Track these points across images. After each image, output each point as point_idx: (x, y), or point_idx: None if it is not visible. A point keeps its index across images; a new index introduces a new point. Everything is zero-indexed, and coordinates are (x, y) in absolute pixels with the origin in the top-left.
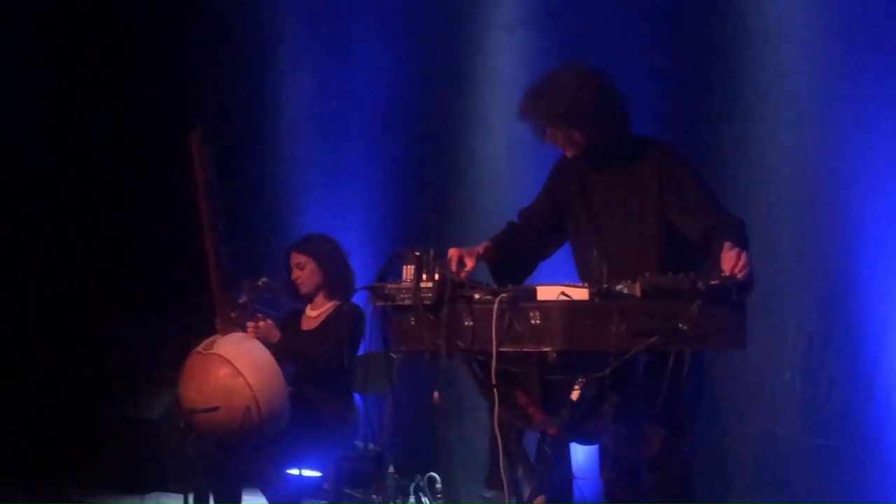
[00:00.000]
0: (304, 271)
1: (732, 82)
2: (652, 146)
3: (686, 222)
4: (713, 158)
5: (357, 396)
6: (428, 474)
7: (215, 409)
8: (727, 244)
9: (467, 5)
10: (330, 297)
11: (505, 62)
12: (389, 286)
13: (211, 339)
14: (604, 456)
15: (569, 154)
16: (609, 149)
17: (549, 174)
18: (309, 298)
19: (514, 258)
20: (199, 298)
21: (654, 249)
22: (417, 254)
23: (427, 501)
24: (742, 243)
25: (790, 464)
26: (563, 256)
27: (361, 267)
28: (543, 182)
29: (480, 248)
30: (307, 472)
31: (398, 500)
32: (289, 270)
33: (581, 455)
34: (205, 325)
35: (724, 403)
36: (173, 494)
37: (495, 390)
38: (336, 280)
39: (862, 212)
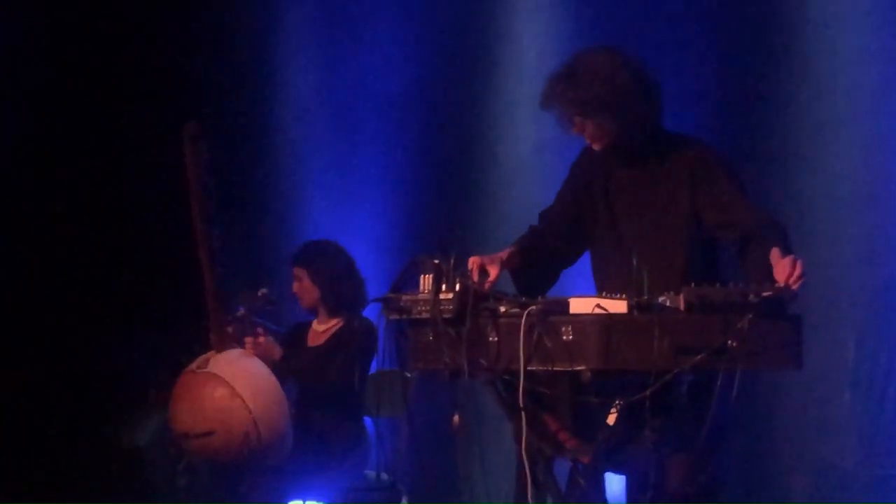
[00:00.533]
0: (301, 285)
1: (784, 73)
2: (686, 146)
3: (721, 226)
4: (761, 154)
5: (368, 420)
6: None
7: (210, 434)
8: (776, 251)
9: None
10: (333, 312)
11: (531, 49)
12: (405, 298)
13: (205, 356)
14: (633, 486)
15: (596, 147)
16: (639, 144)
17: (571, 168)
18: (313, 312)
19: (538, 265)
20: (192, 311)
21: (682, 258)
22: (436, 262)
23: None
24: (789, 249)
25: (848, 496)
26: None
27: (374, 276)
28: (565, 178)
29: (504, 255)
30: None
31: None
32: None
33: (616, 485)
34: (199, 341)
35: (775, 431)
36: None
37: (523, 414)
38: (334, 296)
39: None
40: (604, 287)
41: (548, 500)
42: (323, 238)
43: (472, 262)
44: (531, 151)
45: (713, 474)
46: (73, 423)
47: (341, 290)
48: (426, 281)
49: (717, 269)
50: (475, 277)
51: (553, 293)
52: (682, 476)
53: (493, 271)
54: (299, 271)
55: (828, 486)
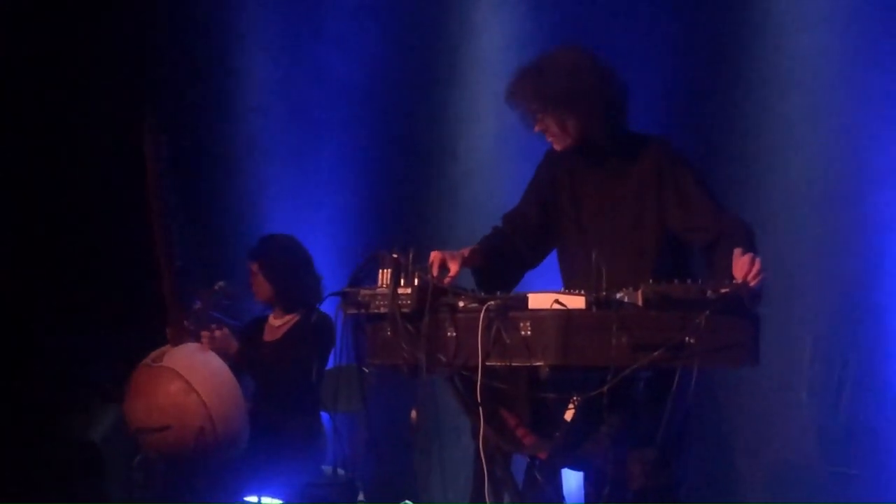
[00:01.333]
0: (256, 280)
1: (744, 71)
2: (650, 144)
3: (688, 230)
4: (722, 154)
5: (325, 415)
6: (402, 502)
7: (165, 428)
8: (738, 250)
9: None
10: (288, 308)
11: (493, 43)
12: (363, 292)
13: (161, 350)
14: (591, 481)
15: (558, 147)
16: (603, 145)
17: (535, 171)
18: (269, 307)
19: (500, 265)
20: (148, 305)
21: (650, 259)
22: (395, 256)
23: None
24: (753, 250)
25: (805, 494)
26: (551, 261)
27: (332, 271)
28: (529, 181)
29: (466, 252)
30: (267, 500)
31: None
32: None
33: (574, 482)
34: (154, 335)
35: (732, 428)
36: None
37: (480, 409)
38: (289, 290)
39: (887, 214)
40: (570, 285)
41: (505, 497)
42: (280, 233)
43: (433, 256)
44: (492, 145)
45: (674, 472)
46: (27, 419)
47: (296, 284)
48: (385, 275)
49: (688, 268)
50: (435, 272)
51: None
52: (643, 473)
53: (453, 267)
54: (254, 265)
55: (784, 483)
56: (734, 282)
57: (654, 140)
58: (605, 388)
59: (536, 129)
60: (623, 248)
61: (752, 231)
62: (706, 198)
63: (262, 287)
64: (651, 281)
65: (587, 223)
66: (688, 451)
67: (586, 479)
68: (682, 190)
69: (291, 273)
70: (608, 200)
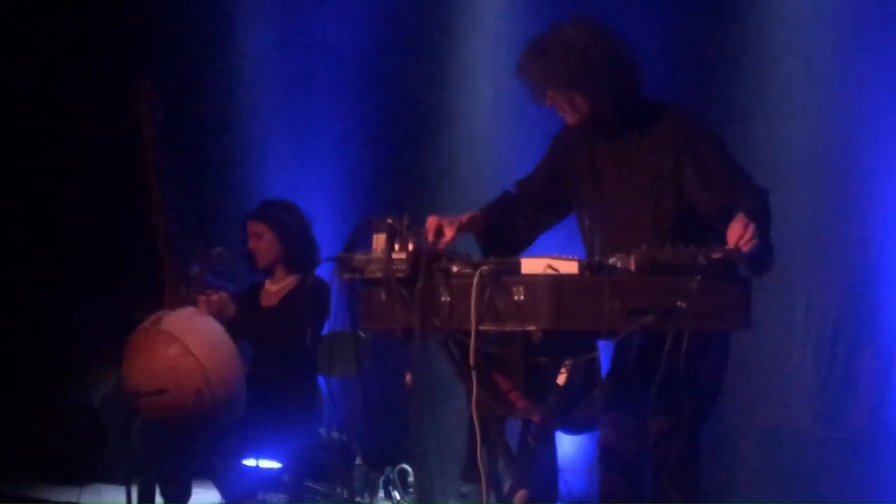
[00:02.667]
0: (262, 241)
1: (736, 64)
2: (666, 111)
3: (705, 198)
4: (719, 126)
5: (321, 379)
6: (399, 466)
7: (163, 392)
8: (739, 215)
9: None
10: (291, 270)
11: (488, 12)
12: (358, 257)
13: (158, 313)
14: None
15: (569, 121)
16: (616, 117)
17: (551, 142)
18: (268, 271)
19: (506, 229)
20: (146, 270)
21: (669, 228)
22: (390, 221)
23: (398, 496)
24: (758, 214)
25: (801, 458)
26: (559, 227)
27: (327, 237)
28: (546, 151)
29: (464, 218)
30: (265, 463)
31: (366, 495)
32: (245, 240)
33: (568, 446)
34: (153, 299)
35: (727, 393)
36: (115, 486)
37: (474, 373)
38: (297, 252)
39: (881, 184)
40: (593, 254)
41: (499, 461)
42: (278, 198)
43: (430, 222)
44: (488, 113)
45: (691, 440)
46: (27, 382)
47: (303, 246)
48: (379, 240)
49: (710, 233)
50: (431, 238)
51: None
52: (659, 438)
53: (448, 232)
54: (262, 228)
55: (777, 447)
56: (726, 247)
57: (670, 107)
58: (597, 353)
59: (547, 104)
60: (642, 216)
61: (765, 195)
62: (723, 164)
63: (270, 249)
64: (645, 246)
65: (606, 192)
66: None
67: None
68: (698, 156)
69: (300, 235)
70: (625, 168)
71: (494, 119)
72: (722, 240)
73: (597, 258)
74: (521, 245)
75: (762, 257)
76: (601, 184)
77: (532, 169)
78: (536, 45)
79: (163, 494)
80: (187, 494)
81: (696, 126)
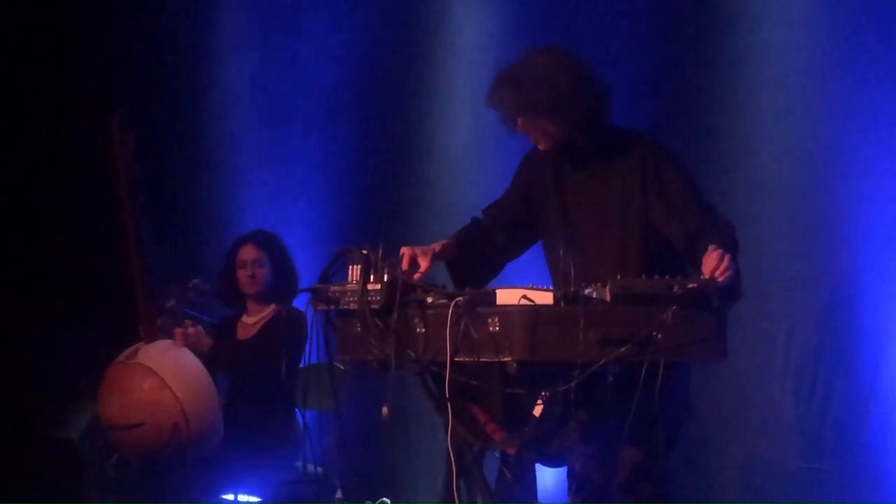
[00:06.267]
0: (262, 269)
1: (717, 67)
2: (634, 140)
3: (671, 227)
4: (695, 152)
5: (298, 412)
6: (379, 500)
7: (139, 425)
8: (711, 246)
9: None
10: (273, 299)
11: (467, 41)
12: (333, 288)
13: (134, 346)
14: (571, 480)
15: (542, 147)
16: (587, 143)
17: (518, 166)
18: (254, 298)
19: (477, 257)
20: (122, 301)
21: (637, 254)
22: (365, 252)
23: None
24: (728, 246)
25: (778, 490)
26: (532, 256)
27: (304, 267)
28: (513, 175)
29: (437, 247)
30: (243, 498)
31: None
32: (232, 267)
33: (549, 479)
34: (128, 332)
35: (706, 424)
36: None
37: (449, 405)
38: (286, 281)
39: (860, 212)
40: (557, 282)
41: (476, 495)
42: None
43: (403, 252)
44: (467, 143)
45: (666, 468)
46: (3, 417)
47: (290, 276)
48: (355, 271)
49: (677, 263)
50: (405, 267)
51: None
52: (635, 470)
53: (423, 262)
54: (263, 256)
55: (758, 478)
56: (701, 277)
57: (639, 136)
58: (572, 384)
59: (518, 131)
60: (610, 244)
61: (733, 229)
62: (689, 195)
63: (264, 276)
64: (620, 276)
65: (574, 219)
66: (679, 445)
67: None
68: (665, 187)
69: (290, 264)
70: (594, 197)
71: (472, 148)
72: (690, 270)
73: (571, 288)
74: (493, 272)
75: (734, 289)
76: (568, 212)
77: (502, 193)
78: (506, 75)
79: None
80: None
81: (664, 156)
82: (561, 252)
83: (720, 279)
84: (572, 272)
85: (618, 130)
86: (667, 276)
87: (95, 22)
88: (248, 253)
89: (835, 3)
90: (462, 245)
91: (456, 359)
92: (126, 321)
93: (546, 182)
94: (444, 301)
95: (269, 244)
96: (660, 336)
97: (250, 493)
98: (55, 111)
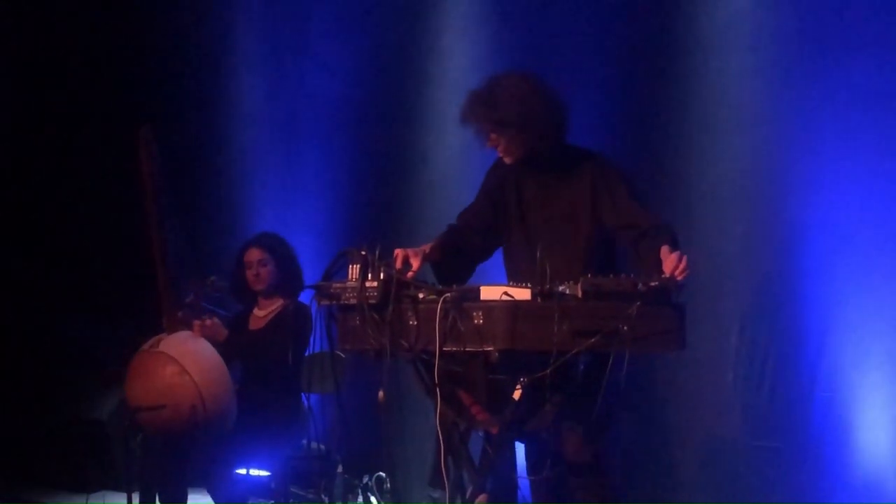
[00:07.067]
0: (266, 268)
1: (680, 88)
2: (587, 158)
3: (620, 228)
4: (658, 163)
5: (304, 396)
6: (376, 474)
7: (161, 407)
8: (665, 247)
9: (423, 5)
10: (280, 295)
11: (458, 64)
12: (335, 285)
13: (157, 337)
14: (531, 454)
15: (507, 160)
16: (546, 158)
17: (486, 175)
18: (262, 294)
19: (456, 259)
20: (146, 297)
21: (582, 255)
22: (363, 253)
23: (375, 501)
24: (677, 246)
25: (732, 465)
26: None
27: (309, 266)
28: (481, 184)
29: (427, 248)
30: (255, 472)
31: (347, 500)
32: (241, 267)
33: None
34: (152, 324)
35: (668, 408)
36: (119, 494)
37: (438, 390)
38: (290, 278)
39: (805, 219)
40: (513, 277)
41: (462, 468)
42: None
43: (397, 253)
44: (457, 156)
45: (603, 447)
46: (42, 398)
47: (294, 273)
48: (354, 270)
49: (615, 263)
50: (399, 267)
51: (472, 282)
52: (575, 448)
53: (415, 263)
54: (267, 256)
55: (713, 455)
56: (663, 276)
57: (590, 153)
58: (548, 370)
59: (489, 144)
60: (561, 246)
61: (675, 230)
62: (634, 202)
63: (272, 275)
64: (588, 275)
65: (530, 224)
66: (616, 428)
67: (528, 450)
68: (614, 194)
69: (293, 263)
70: (549, 205)
71: (462, 159)
72: (632, 268)
73: (547, 286)
74: (469, 271)
75: (684, 283)
76: (525, 213)
77: (473, 200)
78: (481, 94)
79: (161, 500)
80: (184, 500)
81: (612, 171)
82: (537, 254)
83: (679, 278)
84: (547, 271)
85: (573, 147)
86: (632, 275)
87: (127, 50)
88: (253, 254)
89: (781, 33)
90: (444, 249)
91: (444, 348)
92: (150, 315)
93: (509, 189)
94: (434, 297)
95: (273, 245)
96: (626, 328)
97: (260, 467)
98: (90, 123)
